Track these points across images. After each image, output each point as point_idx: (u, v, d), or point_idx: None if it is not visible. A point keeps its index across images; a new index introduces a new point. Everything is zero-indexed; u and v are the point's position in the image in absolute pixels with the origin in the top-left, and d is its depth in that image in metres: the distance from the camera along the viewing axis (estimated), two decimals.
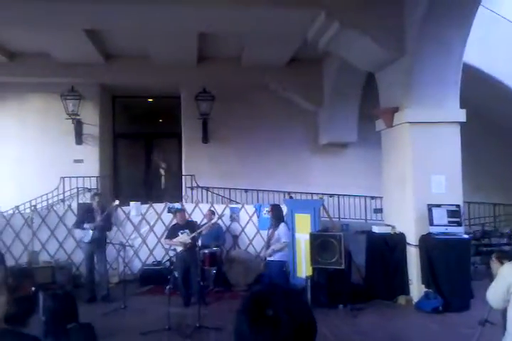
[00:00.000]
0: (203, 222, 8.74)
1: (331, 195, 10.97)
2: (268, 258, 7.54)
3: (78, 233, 7.86)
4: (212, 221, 8.20)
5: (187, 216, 8.45)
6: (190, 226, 7.65)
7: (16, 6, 6.75)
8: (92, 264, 7.70)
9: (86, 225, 7.55)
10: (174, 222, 8.07)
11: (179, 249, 7.35)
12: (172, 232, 7.65)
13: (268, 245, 7.80)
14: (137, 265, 9.38)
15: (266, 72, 11.06)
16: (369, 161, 10.96)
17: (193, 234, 7.30)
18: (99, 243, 7.68)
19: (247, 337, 1.14)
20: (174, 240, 7.43)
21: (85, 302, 7.15)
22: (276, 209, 7.93)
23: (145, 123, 14.03)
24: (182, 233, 7.41)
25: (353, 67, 8.63)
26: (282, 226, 7.72)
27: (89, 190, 11.13)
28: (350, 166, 11.78)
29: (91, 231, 7.52)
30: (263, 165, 11.62)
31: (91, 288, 7.61)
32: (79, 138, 11.39)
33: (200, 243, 7.96)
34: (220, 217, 9.02)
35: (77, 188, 11.13)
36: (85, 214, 7.80)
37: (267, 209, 8.87)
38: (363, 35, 7.06)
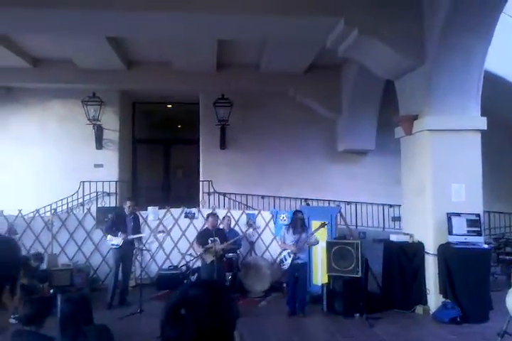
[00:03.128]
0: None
1: (349, 203, 10.91)
2: (296, 261, 7.01)
3: (109, 237, 7.73)
4: (248, 231, 8.08)
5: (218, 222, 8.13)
6: (220, 233, 7.36)
7: (39, 14, 6.90)
8: (119, 269, 7.69)
9: (132, 235, 7.59)
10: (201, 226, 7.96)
11: (209, 259, 7.01)
12: (203, 238, 7.29)
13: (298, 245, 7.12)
14: (154, 269, 9.44)
15: (284, 78, 11.09)
16: (387, 169, 10.89)
17: (225, 245, 7.11)
18: (129, 248, 7.73)
19: (167, 335, 1.20)
20: (202, 249, 7.14)
21: (105, 307, 7.20)
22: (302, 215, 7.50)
23: (164, 129, 14.18)
24: (212, 241, 7.01)
25: (372, 74, 8.60)
26: (309, 229, 7.42)
27: (108, 194, 11.29)
28: (369, 174, 11.71)
29: (122, 237, 7.52)
30: (280, 172, 11.63)
31: (113, 293, 7.59)
32: (99, 143, 11.56)
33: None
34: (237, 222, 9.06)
35: (97, 192, 11.28)
36: (117, 220, 7.76)
37: (284, 215, 8.88)
38: (382, 42, 7.03)
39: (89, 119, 11.28)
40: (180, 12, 6.96)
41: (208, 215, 7.60)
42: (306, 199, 11.11)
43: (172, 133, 14.47)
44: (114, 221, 7.80)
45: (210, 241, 7.03)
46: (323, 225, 7.17)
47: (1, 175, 11.32)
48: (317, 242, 7.29)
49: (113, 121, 11.77)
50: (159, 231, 8.85)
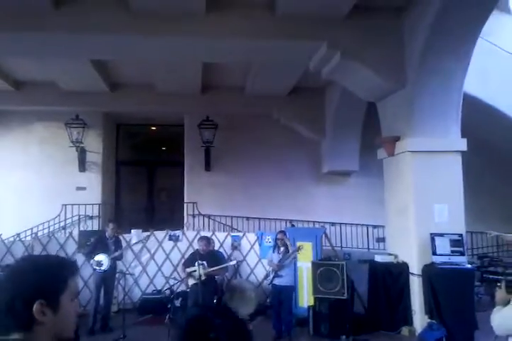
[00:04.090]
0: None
1: (333, 224, 10.92)
2: (278, 284, 6.92)
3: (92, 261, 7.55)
4: (232, 262, 7.99)
5: (211, 246, 7.94)
6: (212, 257, 7.22)
7: (22, 37, 6.91)
8: (101, 293, 7.55)
9: (111, 255, 7.44)
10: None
11: (190, 282, 6.95)
12: (190, 261, 7.21)
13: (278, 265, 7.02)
14: (137, 293, 9.27)
15: (269, 101, 11.20)
16: (371, 190, 10.97)
17: (209, 270, 6.93)
18: (111, 272, 7.59)
19: None
20: (187, 270, 7.07)
21: (87, 332, 7.04)
22: (286, 234, 7.47)
23: (148, 150, 14.14)
24: (199, 264, 6.86)
25: (355, 96, 8.75)
26: (292, 247, 7.40)
27: (91, 217, 11.15)
28: (353, 195, 11.78)
29: (107, 260, 7.39)
30: (265, 193, 11.64)
31: (94, 318, 7.42)
32: (82, 166, 11.48)
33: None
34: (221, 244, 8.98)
35: (79, 216, 11.13)
36: (98, 243, 7.65)
37: (269, 237, 8.85)
38: (363, 66, 7.20)
39: (72, 142, 11.22)
40: (165, 36, 7.04)
41: (200, 238, 7.56)
42: (291, 221, 11.10)
43: (156, 155, 14.43)
44: (95, 245, 7.69)
45: (196, 264, 6.89)
46: (299, 249, 7.05)
47: None
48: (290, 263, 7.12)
49: (96, 143, 11.73)
50: (142, 240, 8.68)
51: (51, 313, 1.31)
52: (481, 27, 6.69)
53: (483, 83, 9.22)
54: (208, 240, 7.52)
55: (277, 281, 6.96)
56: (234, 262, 7.98)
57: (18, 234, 9.47)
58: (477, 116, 9.48)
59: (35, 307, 1.28)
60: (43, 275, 1.33)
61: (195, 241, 9.21)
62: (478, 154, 10.24)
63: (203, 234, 9.46)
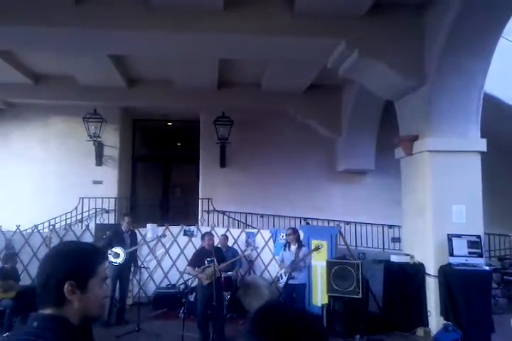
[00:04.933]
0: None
1: (348, 223, 10.88)
2: (290, 282, 6.86)
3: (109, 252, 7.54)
4: (246, 252, 7.99)
5: (216, 241, 7.76)
6: (218, 253, 6.81)
7: (41, 31, 6.97)
8: (116, 286, 7.63)
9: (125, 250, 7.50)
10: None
11: (205, 281, 6.50)
12: (198, 259, 6.73)
13: (292, 265, 6.97)
14: (151, 287, 9.34)
15: (285, 98, 11.16)
16: (387, 189, 10.90)
17: (223, 265, 6.69)
18: (127, 265, 7.66)
19: None
20: (198, 270, 6.57)
21: (102, 325, 7.11)
22: (297, 231, 7.49)
23: (163, 146, 14.20)
24: (209, 261, 6.54)
25: (372, 95, 8.68)
26: (305, 248, 7.35)
27: (107, 211, 11.26)
28: (368, 194, 11.72)
29: (123, 254, 7.46)
30: (280, 191, 11.63)
31: (110, 311, 7.51)
32: (99, 160, 11.58)
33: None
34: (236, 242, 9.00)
35: (96, 209, 11.24)
36: (114, 237, 7.76)
37: (283, 234, 8.82)
38: (382, 64, 7.12)
39: (89, 136, 11.32)
40: (183, 32, 7.04)
41: (204, 234, 7.09)
42: (305, 219, 11.08)
43: (172, 150, 14.48)
44: (111, 238, 7.79)
45: (206, 262, 6.60)
46: (316, 248, 7.10)
47: (0, 190, 11.30)
48: (304, 266, 7.07)
49: (113, 138, 11.82)
50: (160, 236, 8.68)
51: (80, 294, 1.48)
52: (503, 26, 6.59)
53: (504, 83, 9.08)
54: (211, 235, 7.15)
55: (290, 281, 6.95)
56: (248, 251, 7.97)
57: (36, 226, 9.59)
58: (497, 117, 9.36)
59: (66, 286, 1.46)
60: (76, 260, 1.52)
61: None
62: (498, 155, 10.11)
63: (217, 230, 9.51)
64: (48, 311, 1.47)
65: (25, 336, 1.39)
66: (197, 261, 6.70)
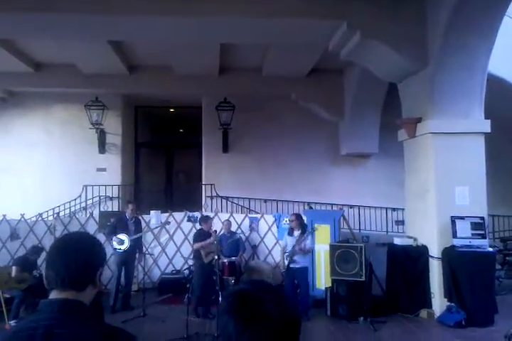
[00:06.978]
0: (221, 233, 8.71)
1: (351, 206, 10.87)
2: (291, 266, 7.03)
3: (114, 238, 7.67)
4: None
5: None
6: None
7: (41, 17, 6.90)
8: (121, 273, 7.72)
9: (130, 236, 7.58)
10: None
11: (207, 259, 7.11)
12: (202, 237, 7.34)
13: (293, 249, 7.12)
14: (156, 273, 9.41)
15: (287, 82, 11.08)
16: (391, 172, 10.86)
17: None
18: (132, 252, 7.72)
19: (239, 337, 1.12)
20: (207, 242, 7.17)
21: (108, 310, 7.18)
22: (300, 217, 7.65)
23: (166, 132, 14.18)
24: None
25: (375, 77, 8.59)
26: (308, 241, 7.38)
27: (111, 198, 11.30)
28: (372, 177, 11.69)
29: (128, 241, 7.52)
30: (283, 175, 11.62)
31: (116, 297, 7.60)
32: (102, 148, 11.58)
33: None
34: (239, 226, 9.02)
35: (99, 196, 11.28)
36: (118, 224, 7.80)
37: (288, 219, 8.82)
38: (384, 45, 7.02)
39: (92, 123, 11.31)
40: (182, 16, 6.95)
41: (206, 218, 7.74)
42: (309, 203, 11.08)
43: (174, 136, 14.47)
44: (115, 225, 7.82)
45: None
46: (313, 230, 7.31)
47: (4, 179, 11.36)
48: (308, 250, 7.23)
49: (116, 125, 11.80)
50: (164, 223, 8.77)
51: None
52: (507, 4, 6.46)
53: (509, 63, 8.96)
54: (210, 220, 7.82)
55: (292, 265, 7.02)
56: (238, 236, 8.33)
57: (41, 214, 9.63)
58: (502, 97, 9.25)
59: (99, 272, 1.57)
60: (103, 248, 1.64)
61: (213, 222, 9.28)
62: (502, 136, 10.04)
63: (220, 215, 9.53)
64: (63, 295, 1.47)
65: (47, 321, 1.38)
66: (201, 238, 7.28)
